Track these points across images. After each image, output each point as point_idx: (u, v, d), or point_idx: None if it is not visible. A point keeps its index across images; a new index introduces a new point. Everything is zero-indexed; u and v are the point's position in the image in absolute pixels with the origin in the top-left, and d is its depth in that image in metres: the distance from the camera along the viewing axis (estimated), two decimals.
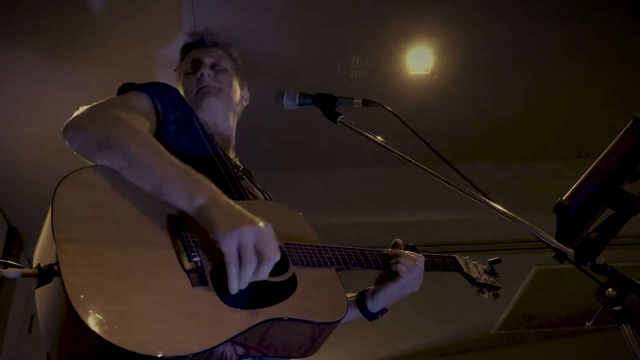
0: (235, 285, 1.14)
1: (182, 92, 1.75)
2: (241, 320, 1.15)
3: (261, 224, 1.16)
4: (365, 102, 1.62)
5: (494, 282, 1.85)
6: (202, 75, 1.75)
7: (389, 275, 1.61)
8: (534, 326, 6.29)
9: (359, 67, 3.96)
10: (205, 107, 1.71)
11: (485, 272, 1.86)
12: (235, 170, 1.64)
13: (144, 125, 1.40)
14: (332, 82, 3.94)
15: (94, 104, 1.39)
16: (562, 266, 1.18)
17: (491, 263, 1.89)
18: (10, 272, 1.04)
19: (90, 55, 3.44)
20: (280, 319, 1.20)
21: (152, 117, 1.46)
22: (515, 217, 1.26)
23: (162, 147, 1.26)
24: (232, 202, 1.21)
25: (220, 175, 1.51)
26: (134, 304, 1.04)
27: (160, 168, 1.21)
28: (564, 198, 1.07)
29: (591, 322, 1.14)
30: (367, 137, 1.52)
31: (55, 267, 1.02)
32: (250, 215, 1.18)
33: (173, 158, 1.24)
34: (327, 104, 1.61)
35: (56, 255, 1.03)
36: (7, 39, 3.27)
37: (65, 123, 1.31)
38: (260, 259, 1.14)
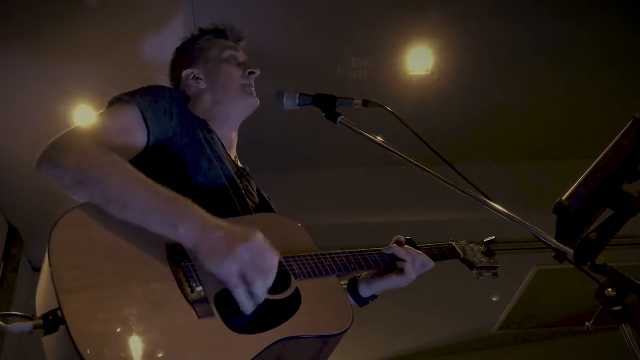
0: (248, 306, 1.15)
1: (204, 67, 1.73)
2: (251, 345, 1.15)
3: (251, 238, 1.16)
4: (365, 102, 1.62)
5: (492, 263, 1.88)
6: (253, 74, 1.74)
7: (388, 268, 1.61)
8: (533, 326, 6.28)
9: (359, 68, 3.96)
10: (251, 106, 1.72)
11: (482, 253, 1.89)
12: (239, 173, 1.63)
13: (127, 143, 1.36)
14: (332, 82, 3.94)
15: (73, 128, 1.31)
16: (562, 266, 1.18)
17: (487, 243, 1.92)
18: (17, 327, 1.03)
19: (90, 54, 3.44)
20: (289, 338, 1.20)
21: (139, 131, 1.40)
22: (515, 217, 1.26)
23: (141, 176, 1.22)
24: (220, 222, 1.19)
25: (223, 183, 1.50)
26: (143, 346, 1.04)
27: (142, 201, 1.18)
28: (563, 198, 1.06)
29: (591, 322, 1.14)
30: (367, 137, 1.52)
31: (59, 314, 1.02)
32: (239, 233, 1.17)
33: (154, 186, 1.21)
34: (327, 104, 1.61)
35: (59, 305, 1.03)
36: (4, 38, 3.27)
37: (39, 155, 1.24)
38: (261, 273, 1.15)
